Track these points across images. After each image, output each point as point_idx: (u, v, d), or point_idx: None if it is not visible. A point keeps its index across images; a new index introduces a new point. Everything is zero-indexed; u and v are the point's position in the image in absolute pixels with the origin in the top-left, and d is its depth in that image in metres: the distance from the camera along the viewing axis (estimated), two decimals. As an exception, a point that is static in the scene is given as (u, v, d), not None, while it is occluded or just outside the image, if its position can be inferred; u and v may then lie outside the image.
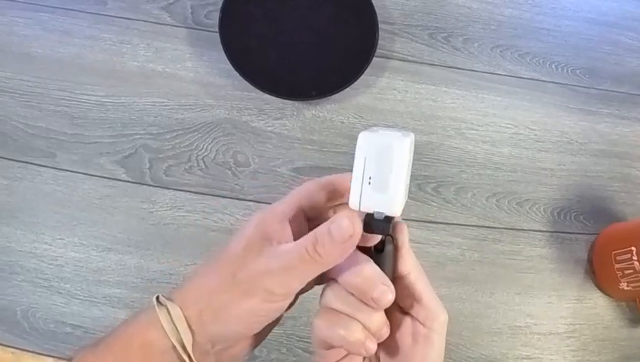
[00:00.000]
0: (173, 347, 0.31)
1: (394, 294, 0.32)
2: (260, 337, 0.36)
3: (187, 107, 0.71)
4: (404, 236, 0.35)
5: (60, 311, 0.63)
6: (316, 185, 0.36)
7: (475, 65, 0.77)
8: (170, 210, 0.67)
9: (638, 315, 0.69)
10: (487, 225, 0.71)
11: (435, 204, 0.71)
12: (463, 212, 0.71)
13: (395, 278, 0.34)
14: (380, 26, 0.72)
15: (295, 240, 0.32)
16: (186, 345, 0.31)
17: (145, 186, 0.68)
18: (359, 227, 0.31)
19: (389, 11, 0.77)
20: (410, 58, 0.76)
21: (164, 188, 0.68)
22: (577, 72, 0.78)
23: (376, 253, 0.34)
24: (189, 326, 0.32)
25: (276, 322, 0.36)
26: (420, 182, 0.71)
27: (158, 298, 0.32)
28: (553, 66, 0.78)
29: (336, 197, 0.36)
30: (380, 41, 0.73)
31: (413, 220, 0.70)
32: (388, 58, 0.75)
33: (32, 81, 0.71)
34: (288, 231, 0.33)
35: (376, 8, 0.72)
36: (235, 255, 0.32)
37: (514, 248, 0.71)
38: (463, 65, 0.76)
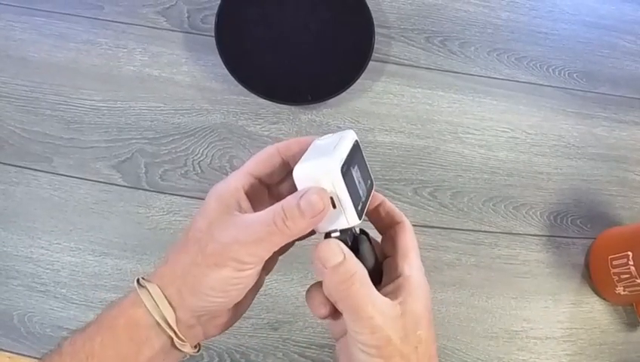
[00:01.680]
0: (157, 324, 0.34)
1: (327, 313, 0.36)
2: (242, 305, 0.38)
3: (183, 111, 0.73)
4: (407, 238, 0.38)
5: (56, 315, 0.65)
6: (270, 151, 0.38)
7: (472, 69, 0.78)
8: (166, 214, 0.69)
9: (635, 319, 0.71)
10: (483, 230, 0.73)
11: (431, 208, 0.73)
12: (460, 216, 0.73)
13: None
14: (376, 29, 0.74)
15: (254, 208, 0.35)
16: (169, 321, 0.34)
17: (141, 191, 0.69)
18: (328, 201, 0.33)
19: (386, 15, 0.79)
20: (406, 62, 0.77)
21: (160, 192, 0.70)
22: (574, 75, 0.80)
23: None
24: (170, 304, 0.34)
25: (256, 289, 0.39)
26: (416, 187, 0.73)
27: (138, 281, 0.35)
28: (550, 70, 0.80)
29: (292, 162, 0.37)
30: (376, 45, 0.74)
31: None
32: (384, 62, 0.77)
33: (28, 86, 0.72)
34: (246, 202, 0.36)
35: (372, 12, 0.74)
36: (201, 232, 0.34)
37: (510, 252, 0.72)
38: (460, 69, 0.78)
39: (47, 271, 0.66)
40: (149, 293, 0.34)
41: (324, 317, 0.37)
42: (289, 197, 0.33)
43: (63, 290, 0.66)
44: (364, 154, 0.38)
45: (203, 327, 0.36)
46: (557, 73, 0.80)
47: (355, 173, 0.35)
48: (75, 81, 0.73)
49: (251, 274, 0.34)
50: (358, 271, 0.34)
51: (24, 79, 0.72)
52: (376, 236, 0.40)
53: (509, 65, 0.79)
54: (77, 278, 0.66)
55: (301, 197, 0.33)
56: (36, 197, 0.68)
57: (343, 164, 0.33)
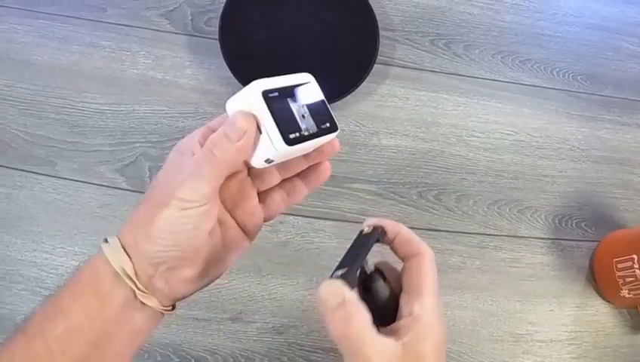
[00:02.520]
0: (117, 274, 0.34)
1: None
2: (212, 263, 0.38)
3: (187, 115, 0.73)
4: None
5: (60, 320, 0.65)
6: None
7: (477, 71, 0.79)
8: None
9: (640, 322, 0.72)
10: (488, 233, 0.73)
11: (436, 211, 0.73)
12: (464, 219, 0.73)
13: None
14: (380, 32, 0.75)
15: None
16: (126, 269, 0.34)
17: (145, 195, 0.70)
18: (252, 123, 0.34)
19: (390, 18, 0.79)
20: (411, 65, 0.78)
21: (164, 196, 0.70)
22: (579, 78, 0.81)
23: (365, 293, 0.37)
24: (127, 253, 0.35)
25: (228, 249, 0.39)
26: (421, 190, 0.74)
27: (105, 239, 0.36)
28: (554, 72, 0.80)
29: None
30: (380, 48, 0.75)
31: (415, 228, 0.72)
32: (389, 65, 0.77)
33: (31, 89, 0.73)
34: (197, 148, 0.36)
35: (376, 15, 0.75)
36: (157, 181, 0.37)
37: (515, 255, 0.73)
38: (464, 72, 0.78)
39: (51, 275, 0.66)
40: (110, 245, 0.35)
41: None
42: (214, 134, 0.35)
43: (67, 295, 0.66)
44: (326, 103, 0.39)
45: (165, 280, 0.36)
46: (561, 76, 0.80)
47: (296, 105, 0.36)
48: (79, 85, 0.73)
49: (196, 214, 0.34)
50: (359, 314, 0.33)
51: (27, 82, 0.73)
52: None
53: (514, 68, 0.79)
54: (81, 282, 0.66)
55: (227, 122, 0.34)
56: (40, 201, 0.69)
57: (271, 90, 0.34)
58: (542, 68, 0.80)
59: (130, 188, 0.70)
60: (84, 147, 0.71)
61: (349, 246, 0.38)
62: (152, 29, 0.76)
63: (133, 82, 0.74)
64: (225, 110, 0.36)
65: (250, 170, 0.40)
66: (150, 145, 0.72)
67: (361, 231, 0.38)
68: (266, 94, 0.34)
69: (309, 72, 0.72)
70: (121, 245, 0.35)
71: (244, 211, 0.40)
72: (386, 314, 0.35)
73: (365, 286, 0.36)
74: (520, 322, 0.70)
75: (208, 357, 0.65)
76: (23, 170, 0.70)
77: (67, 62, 0.74)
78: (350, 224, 0.70)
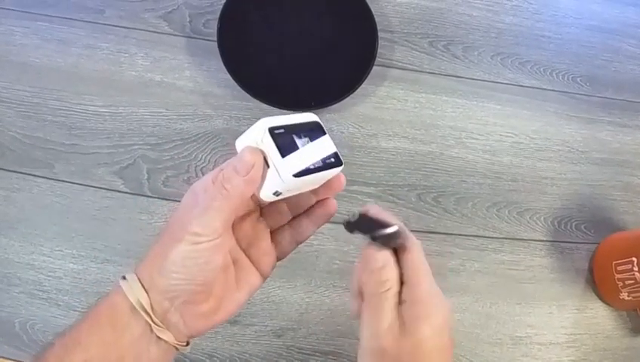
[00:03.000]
0: (134, 308, 0.36)
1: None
2: (226, 300, 0.40)
3: (186, 117, 0.73)
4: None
5: (58, 323, 0.65)
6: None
7: (476, 73, 0.79)
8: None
9: (639, 325, 0.72)
10: (487, 235, 0.73)
11: (435, 214, 0.73)
12: (463, 222, 0.73)
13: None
14: (379, 34, 0.75)
15: None
16: (142, 303, 0.36)
17: (143, 197, 0.70)
18: (260, 157, 0.36)
19: (389, 19, 0.80)
20: (410, 67, 0.78)
21: (162, 199, 0.70)
22: (578, 79, 0.81)
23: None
24: (143, 287, 0.36)
25: (242, 288, 0.41)
26: (420, 192, 0.74)
27: (123, 276, 0.38)
28: (554, 74, 0.80)
29: None
30: (379, 50, 0.75)
31: (414, 231, 0.72)
32: (387, 67, 0.78)
33: (29, 91, 0.73)
34: (210, 185, 0.38)
35: (375, 16, 0.75)
36: (171, 220, 0.38)
37: (514, 258, 0.73)
38: (463, 74, 0.79)
39: (49, 278, 0.67)
40: (128, 281, 0.37)
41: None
42: (227, 161, 0.37)
43: (65, 297, 0.66)
44: (331, 138, 0.40)
45: (180, 314, 0.37)
46: (561, 77, 0.80)
47: (302, 141, 0.37)
48: (77, 87, 0.73)
49: (208, 248, 0.36)
50: (392, 280, 0.38)
51: (25, 84, 0.73)
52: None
53: (513, 70, 0.80)
54: (79, 285, 0.67)
55: (235, 158, 0.36)
56: (38, 203, 0.69)
57: (277, 127, 0.36)
58: (541, 69, 0.80)
59: (128, 190, 0.70)
60: (82, 149, 0.71)
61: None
62: (150, 31, 0.76)
63: (132, 84, 0.74)
64: (234, 146, 0.38)
65: (262, 210, 0.43)
66: (149, 147, 0.72)
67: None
68: (272, 130, 0.36)
69: (308, 74, 0.74)
70: (139, 279, 0.37)
71: (258, 250, 0.42)
72: None
73: None
74: (519, 325, 0.71)
75: (207, 360, 0.65)
76: (21, 173, 0.70)
77: (65, 65, 0.74)
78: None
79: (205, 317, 0.38)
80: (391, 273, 0.38)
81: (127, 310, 0.36)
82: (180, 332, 0.38)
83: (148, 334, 0.37)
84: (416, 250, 0.39)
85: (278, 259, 0.44)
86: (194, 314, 0.38)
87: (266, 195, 0.38)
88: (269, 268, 0.43)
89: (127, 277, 0.37)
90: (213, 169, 0.70)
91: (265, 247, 0.42)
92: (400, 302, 0.38)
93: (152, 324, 0.36)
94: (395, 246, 0.39)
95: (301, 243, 0.44)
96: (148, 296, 0.36)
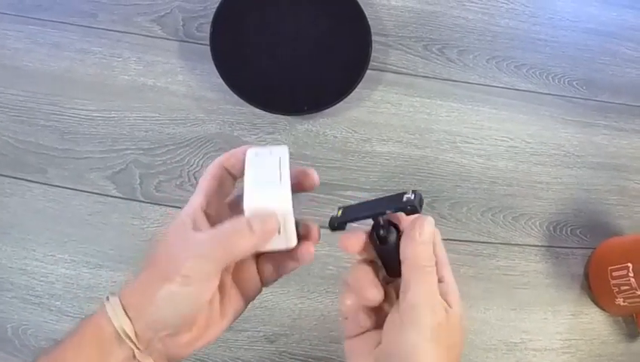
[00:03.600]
0: (118, 334, 0.36)
1: (381, 296, 0.38)
2: (209, 330, 0.40)
3: (178, 121, 0.73)
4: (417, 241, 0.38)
5: (51, 328, 0.65)
6: (215, 165, 0.41)
7: (471, 77, 0.79)
8: (161, 226, 0.69)
9: (635, 330, 0.71)
10: (482, 241, 0.73)
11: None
12: (458, 227, 0.73)
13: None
14: (373, 38, 0.75)
15: (214, 221, 0.38)
16: (126, 330, 0.36)
17: (136, 202, 0.70)
18: (278, 225, 0.37)
19: (383, 23, 0.80)
20: (404, 70, 0.78)
21: (155, 203, 0.70)
22: (575, 83, 0.81)
23: (380, 244, 0.38)
24: (127, 314, 0.36)
25: (224, 318, 0.41)
26: (414, 197, 0.74)
27: (107, 297, 0.37)
28: (550, 78, 0.80)
29: (235, 172, 0.41)
30: (374, 54, 0.75)
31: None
32: (382, 71, 0.78)
33: (22, 95, 0.73)
34: (203, 220, 0.38)
35: (369, 20, 0.75)
36: (159, 250, 0.38)
37: (509, 263, 0.73)
38: (458, 78, 0.79)
39: (42, 283, 0.67)
40: (112, 305, 0.36)
41: (371, 301, 0.38)
42: (237, 218, 0.37)
43: (57, 303, 0.66)
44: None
45: (163, 345, 0.38)
46: (557, 81, 0.80)
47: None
48: (70, 91, 0.73)
49: (198, 291, 0.36)
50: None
51: (18, 89, 0.73)
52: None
53: (509, 73, 0.80)
54: (71, 290, 0.67)
55: (253, 217, 0.36)
56: (30, 208, 0.69)
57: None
58: (537, 73, 0.80)
59: (120, 195, 0.70)
60: (74, 154, 0.71)
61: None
62: (143, 35, 0.76)
63: (124, 89, 0.74)
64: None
65: None
66: (141, 152, 0.72)
67: (403, 193, 0.38)
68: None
69: (301, 78, 0.74)
70: (123, 307, 0.36)
71: (244, 275, 0.42)
72: (394, 268, 0.38)
73: (380, 238, 0.38)
74: (514, 330, 0.71)
75: (199, 366, 0.65)
76: (13, 177, 0.70)
77: (58, 69, 0.74)
78: (342, 232, 0.70)
79: (188, 345, 0.39)
80: (431, 249, 0.38)
81: (112, 334, 0.36)
82: (162, 359, 0.38)
83: (131, 359, 0.37)
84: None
85: (263, 285, 0.44)
86: (177, 344, 0.38)
87: (264, 248, 0.38)
88: (254, 293, 0.43)
89: (111, 299, 0.37)
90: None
91: (251, 272, 0.42)
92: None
93: (136, 351, 0.36)
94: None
95: (282, 276, 0.44)
96: (132, 324, 0.36)
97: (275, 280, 0.44)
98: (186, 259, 0.36)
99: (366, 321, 0.39)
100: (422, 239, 0.37)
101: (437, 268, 0.38)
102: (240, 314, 0.42)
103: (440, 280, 0.38)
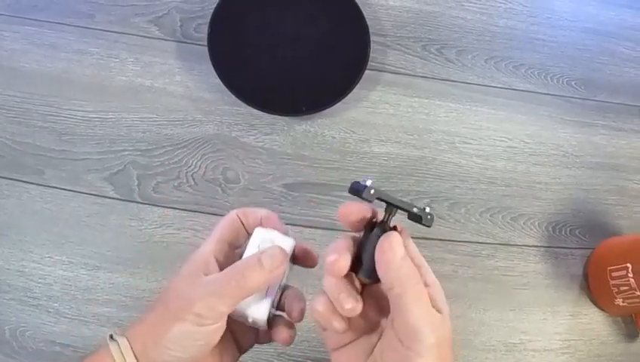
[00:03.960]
0: None
1: (360, 307, 0.37)
2: None
3: (176, 122, 0.73)
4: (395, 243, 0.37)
5: (48, 329, 0.65)
6: (231, 216, 0.43)
7: (469, 77, 0.79)
8: (159, 227, 0.70)
9: (634, 330, 0.72)
10: (480, 241, 0.73)
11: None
12: (457, 227, 0.73)
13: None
14: (372, 38, 0.75)
15: (222, 269, 0.39)
16: None
17: (133, 203, 0.70)
18: (285, 261, 0.39)
19: (382, 23, 0.80)
20: (402, 71, 0.78)
21: (152, 205, 0.70)
22: (573, 83, 0.81)
23: (366, 231, 0.39)
24: (135, 356, 0.37)
25: (235, 354, 0.43)
26: (413, 198, 0.74)
27: (111, 336, 0.38)
28: (549, 78, 0.80)
29: (249, 228, 0.43)
30: (372, 54, 0.75)
31: (406, 236, 0.72)
32: (380, 71, 0.78)
33: (19, 97, 0.73)
34: (214, 265, 0.40)
35: (368, 20, 0.75)
36: (169, 292, 0.39)
37: (508, 264, 0.73)
38: (457, 78, 0.79)
39: (40, 285, 0.67)
40: (118, 345, 0.37)
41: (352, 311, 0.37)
42: (246, 257, 0.39)
43: (55, 304, 0.66)
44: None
45: None
46: (555, 81, 0.80)
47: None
48: (67, 92, 0.73)
49: (210, 331, 0.37)
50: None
51: (15, 90, 0.73)
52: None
53: (507, 73, 0.80)
54: (69, 292, 0.67)
55: (262, 254, 0.38)
56: (28, 210, 0.69)
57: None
58: (536, 73, 0.80)
59: (118, 196, 0.70)
60: (72, 155, 0.71)
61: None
62: (140, 36, 0.76)
63: (122, 89, 0.74)
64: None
65: None
66: (139, 153, 0.72)
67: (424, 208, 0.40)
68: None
69: (299, 79, 0.76)
70: (131, 348, 0.37)
71: (239, 329, 0.43)
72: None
73: (368, 225, 0.39)
74: (513, 331, 0.71)
75: (197, 367, 0.65)
76: (10, 179, 0.70)
77: (55, 70, 0.74)
78: (340, 232, 0.70)
79: None
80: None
81: None
82: None
83: None
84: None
85: (257, 342, 0.46)
86: None
87: (239, 314, 0.40)
88: (247, 346, 0.45)
89: (118, 341, 0.37)
90: (204, 175, 0.71)
91: (246, 327, 0.43)
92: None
93: None
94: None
95: (274, 340, 0.44)
96: None
97: (267, 342, 0.45)
98: (198, 298, 0.37)
99: (340, 324, 0.38)
100: (399, 257, 0.36)
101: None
102: None
103: (425, 285, 0.37)
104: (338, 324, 0.38)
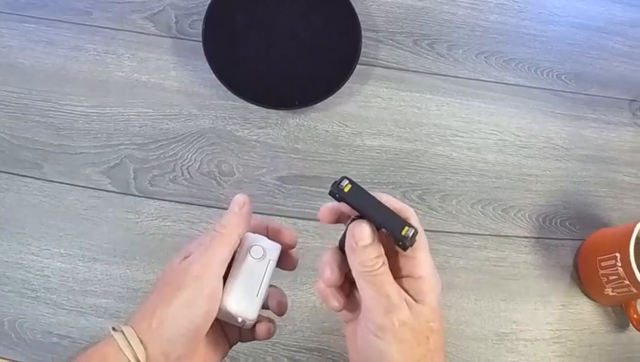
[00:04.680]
0: (128, 360, 0.36)
1: (335, 277, 0.40)
2: (211, 356, 0.43)
3: (172, 117, 0.75)
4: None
5: (47, 321, 0.67)
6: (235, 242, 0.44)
7: (460, 71, 0.81)
8: (155, 220, 0.71)
9: (624, 320, 0.73)
10: (472, 232, 0.75)
11: (419, 211, 0.75)
12: (448, 219, 0.75)
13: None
14: (364, 33, 0.76)
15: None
16: (138, 356, 0.36)
17: (130, 196, 0.72)
18: (248, 201, 0.43)
19: (373, 18, 0.81)
20: (394, 65, 0.80)
21: (149, 198, 0.72)
22: (563, 77, 0.82)
23: (349, 223, 0.40)
24: (141, 341, 0.37)
25: (219, 350, 0.44)
26: (405, 190, 0.75)
27: (114, 328, 0.38)
28: (539, 72, 0.82)
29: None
30: (364, 49, 0.77)
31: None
32: (372, 65, 0.79)
33: (17, 92, 0.75)
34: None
35: (360, 15, 0.77)
36: (166, 274, 0.42)
37: (499, 255, 0.74)
38: (448, 72, 0.80)
39: (38, 277, 0.68)
40: (122, 333, 0.37)
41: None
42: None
43: (53, 296, 0.68)
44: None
45: None
46: (545, 75, 0.82)
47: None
48: (64, 88, 0.75)
49: (210, 295, 0.39)
50: (383, 255, 0.38)
51: (13, 86, 0.75)
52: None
53: (498, 68, 0.81)
54: (67, 284, 0.68)
55: (231, 203, 0.43)
56: (26, 203, 0.71)
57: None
58: (526, 67, 0.82)
59: (115, 189, 0.72)
60: (69, 150, 0.73)
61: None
62: (136, 32, 0.78)
63: (119, 85, 0.76)
64: None
65: None
66: (135, 147, 0.74)
67: (406, 224, 0.39)
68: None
69: (292, 73, 0.78)
70: (136, 334, 0.37)
71: (228, 324, 0.45)
72: None
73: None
74: (504, 321, 0.72)
75: (193, 356, 0.67)
76: (9, 173, 0.72)
77: (53, 66, 0.76)
78: (333, 224, 0.72)
79: None
80: (379, 250, 0.38)
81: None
82: None
83: None
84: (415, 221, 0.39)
85: (240, 340, 0.47)
86: None
87: (223, 314, 0.42)
88: (234, 340, 0.46)
89: (124, 330, 0.37)
90: (199, 168, 0.72)
91: (231, 324, 0.45)
92: (399, 275, 0.39)
93: None
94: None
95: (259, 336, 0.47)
96: (145, 350, 0.37)
97: (250, 340, 0.47)
98: (191, 263, 0.39)
99: (334, 303, 0.41)
100: (360, 245, 0.37)
101: (404, 262, 0.39)
102: (222, 357, 0.45)
103: (410, 276, 0.39)
104: (335, 304, 0.41)
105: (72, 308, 0.68)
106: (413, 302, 0.37)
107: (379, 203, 0.38)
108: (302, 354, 0.68)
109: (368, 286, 0.37)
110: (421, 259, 0.39)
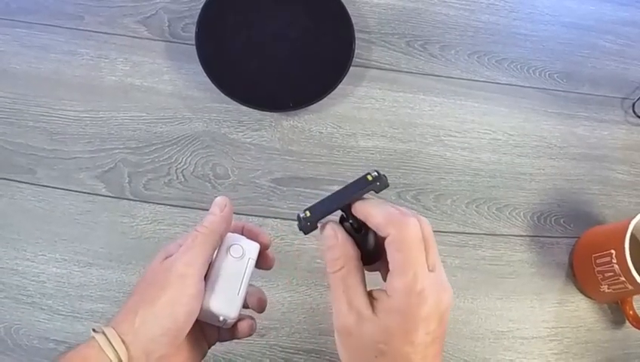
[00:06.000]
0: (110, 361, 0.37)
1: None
2: (192, 355, 0.44)
3: (165, 120, 0.76)
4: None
5: (43, 327, 0.67)
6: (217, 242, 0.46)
7: (453, 72, 0.82)
8: (150, 223, 0.72)
9: (620, 317, 0.74)
10: (467, 231, 0.76)
11: (414, 211, 0.75)
12: (443, 219, 0.76)
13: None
14: (356, 35, 0.77)
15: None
16: (121, 356, 0.37)
17: (125, 201, 0.72)
18: (229, 202, 0.44)
19: (366, 20, 0.82)
20: (387, 66, 0.81)
21: (144, 202, 0.72)
22: (555, 76, 0.84)
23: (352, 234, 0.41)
24: (123, 341, 0.37)
25: (199, 351, 0.46)
26: (400, 191, 0.76)
27: (94, 329, 0.39)
28: (531, 71, 0.83)
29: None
30: (357, 50, 0.77)
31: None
32: (365, 67, 0.80)
33: (10, 98, 0.75)
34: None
35: (352, 17, 0.78)
36: (148, 274, 0.42)
37: (495, 253, 0.75)
38: (441, 73, 0.81)
39: (33, 282, 0.69)
40: (104, 334, 0.38)
41: None
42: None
43: (49, 302, 0.68)
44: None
45: None
46: (537, 74, 0.83)
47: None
48: (58, 92, 0.76)
49: (193, 294, 0.40)
50: (344, 257, 0.38)
51: (6, 91, 0.75)
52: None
53: (490, 68, 0.82)
54: (63, 289, 0.69)
55: (212, 205, 0.44)
56: (20, 208, 0.71)
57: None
58: (518, 67, 0.83)
59: (110, 194, 0.72)
60: (63, 154, 0.73)
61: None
62: (129, 36, 0.79)
63: (112, 89, 0.76)
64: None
65: None
66: (129, 151, 0.74)
67: (366, 176, 0.41)
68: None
69: (286, 75, 0.79)
70: (118, 334, 0.38)
71: (207, 324, 0.45)
72: (370, 255, 0.41)
73: (347, 229, 0.41)
74: (501, 319, 0.73)
75: (190, 360, 0.67)
76: (3, 178, 0.72)
77: (46, 71, 0.76)
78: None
79: None
80: (339, 252, 0.38)
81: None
82: None
83: None
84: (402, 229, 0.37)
85: (218, 340, 0.48)
86: None
87: (204, 316, 0.43)
88: (212, 341, 0.48)
89: (105, 331, 0.38)
90: (193, 171, 0.73)
91: (210, 324, 0.45)
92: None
93: None
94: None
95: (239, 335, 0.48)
96: (127, 350, 0.37)
97: (229, 340, 0.48)
98: (175, 261, 0.40)
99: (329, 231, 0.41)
100: (325, 246, 0.39)
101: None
102: (204, 357, 0.46)
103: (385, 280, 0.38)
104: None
105: (68, 313, 0.68)
106: (368, 314, 0.36)
107: (337, 192, 0.41)
108: (299, 356, 0.69)
109: (330, 286, 0.39)
110: (395, 270, 0.37)
